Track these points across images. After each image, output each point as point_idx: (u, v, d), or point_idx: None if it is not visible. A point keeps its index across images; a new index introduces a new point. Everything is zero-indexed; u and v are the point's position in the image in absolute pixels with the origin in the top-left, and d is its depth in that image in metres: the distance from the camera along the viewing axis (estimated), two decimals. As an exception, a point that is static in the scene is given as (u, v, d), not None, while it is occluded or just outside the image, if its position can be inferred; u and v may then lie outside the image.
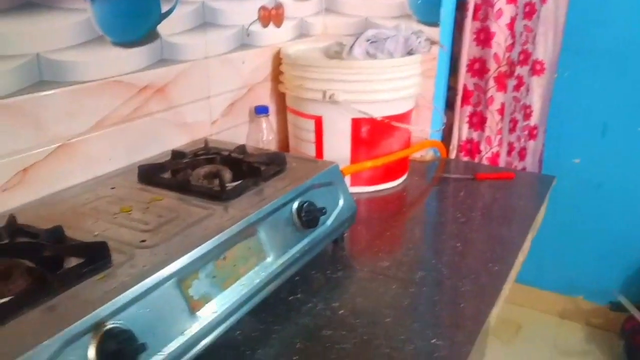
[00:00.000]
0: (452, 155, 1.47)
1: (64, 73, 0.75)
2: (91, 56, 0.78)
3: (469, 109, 1.48)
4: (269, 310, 0.71)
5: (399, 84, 1.08)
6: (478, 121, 1.48)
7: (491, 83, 1.43)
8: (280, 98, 1.20)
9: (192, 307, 0.59)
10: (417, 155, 1.28)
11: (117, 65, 0.82)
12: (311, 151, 1.11)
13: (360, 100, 1.04)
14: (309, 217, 0.76)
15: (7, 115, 0.69)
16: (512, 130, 1.59)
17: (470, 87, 1.46)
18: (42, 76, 0.73)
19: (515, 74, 1.52)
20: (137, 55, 0.85)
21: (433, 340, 0.67)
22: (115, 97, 0.83)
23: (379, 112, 1.06)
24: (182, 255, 0.59)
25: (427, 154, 1.31)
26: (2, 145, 0.69)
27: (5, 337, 0.46)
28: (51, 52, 0.73)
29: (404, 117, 1.12)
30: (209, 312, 0.60)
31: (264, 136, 1.11)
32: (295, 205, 0.77)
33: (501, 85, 1.44)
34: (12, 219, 0.64)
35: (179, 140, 0.96)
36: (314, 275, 0.81)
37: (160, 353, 0.54)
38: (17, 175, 0.72)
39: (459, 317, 0.72)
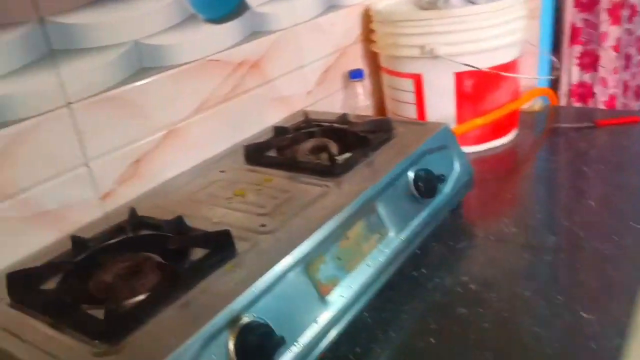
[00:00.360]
0: (563, 102, 1.34)
1: (163, 57, 0.73)
2: (186, 37, 0.76)
3: (578, 48, 1.33)
4: (394, 288, 0.67)
5: (503, 29, 0.97)
6: (590, 61, 1.33)
7: (604, 16, 1.27)
8: (372, 59, 1.13)
9: (322, 293, 0.56)
10: (524, 106, 1.17)
11: (211, 44, 0.80)
12: (411, 113, 1.05)
13: (462, 52, 0.96)
14: (428, 186, 0.71)
15: (115, 107, 0.69)
16: (625, 67, 1.43)
17: (579, 24, 1.31)
18: (142, 63, 0.71)
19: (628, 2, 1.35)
20: (229, 31, 0.82)
21: (583, 314, 0.60)
22: (214, 77, 0.81)
23: (483, 63, 0.97)
24: (307, 238, 0.56)
25: (535, 104, 1.20)
26: (115, 138, 0.69)
27: (149, 336, 0.45)
28: (148, 38, 0.71)
29: (511, 66, 1.02)
30: (338, 296, 0.57)
31: (361, 102, 1.05)
32: (411, 174, 0.71)
33: (615, 18, 1.28)
34: (133, 212, 0.64)
35: (277, 114, 0.93)
36: (435, 247, 0.75)
37: (296, 344, 0.52)
38: (130, 167, 0.71)
39: (609, 286, 0.65)
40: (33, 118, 0.61)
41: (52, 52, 0.62)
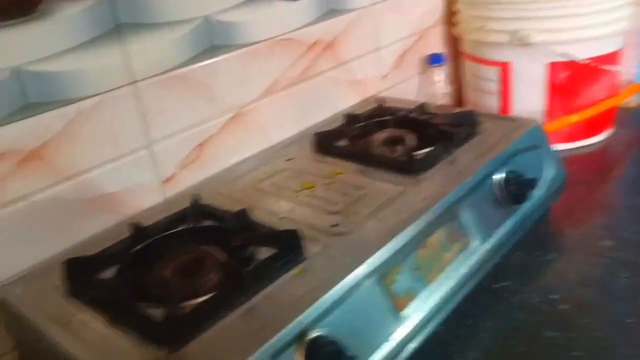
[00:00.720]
0: (663, 99, 1.20)
1: (233, 35, 0.69)
2: (259, 14, 0.71)
3: (685, 39, 1.19)
4: (473, 301, 0.60)
5: (609, 16, 0.87)
6: (699, 54, 1.18)
7: None
8: (453, 43, 1.05)
9: (397, 307, 0.50)
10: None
11: (285, 22, 0.74)
12: (493, 104, 0.96)
13: (559, 41, 0.86)
14: (518, 191, 0.63)
15: (182, 86, 0.65)
16: None
17: (689, 12, 1.16)
18: (212, 41, 0.66)
19: None
20: (305, 9, 0.76)
21: (699, 353, 0.52)
22: (285, 58, 0.75)
23: (582, 54, 0.87)
24: (383, 245, 0.50)
25: (632, 100, 1.08)
26: (180, 120, 0.65)
27: (211, 346, 0.41)
28: (220, 14, 0.66)
29: (612, 58, 0.91)
30: (414, 311, 0.51)
31: (439, 89, 0.97)
32: (499, 177, 0.64)
33: None
34: (196, 200, 0.60)
35: (349, 99, 0.87)
36: (518, 257, 0.68)
37: (367, 364, 0.46)
38: (194, 150, 0.67)
39: None
40: (96, 96, 0.57)
41: (119, 26, 0.58)
